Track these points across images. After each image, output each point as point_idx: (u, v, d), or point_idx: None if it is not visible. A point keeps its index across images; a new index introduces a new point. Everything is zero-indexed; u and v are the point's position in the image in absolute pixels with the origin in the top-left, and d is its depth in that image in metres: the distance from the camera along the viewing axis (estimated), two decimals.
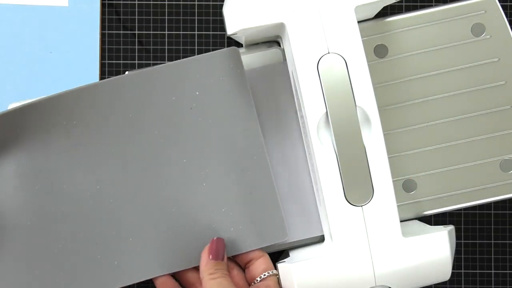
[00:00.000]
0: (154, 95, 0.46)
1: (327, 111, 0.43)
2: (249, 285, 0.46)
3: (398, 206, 0.43)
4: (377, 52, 0.49)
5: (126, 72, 0.49)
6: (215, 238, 0.45)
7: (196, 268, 0.46)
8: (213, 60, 0.46)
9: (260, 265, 0.46)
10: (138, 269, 0.45)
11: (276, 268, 0.46)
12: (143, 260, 0.46)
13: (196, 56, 0.47)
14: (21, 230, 0.45)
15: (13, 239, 0.45)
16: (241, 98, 0.46)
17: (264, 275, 0.45)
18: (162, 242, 0.46)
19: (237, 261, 0.47)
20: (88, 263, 0.45)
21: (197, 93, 0.46)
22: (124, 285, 0.46)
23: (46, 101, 0.46)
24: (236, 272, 0.46)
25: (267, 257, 0.46)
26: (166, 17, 0.53)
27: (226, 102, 0.46)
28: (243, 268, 0.47)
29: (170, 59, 0.53)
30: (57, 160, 0.46)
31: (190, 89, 0.46)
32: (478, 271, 0.54)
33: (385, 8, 0.49)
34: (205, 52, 0.53)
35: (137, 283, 0.51)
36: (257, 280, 0.45)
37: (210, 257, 0.44)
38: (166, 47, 0.54)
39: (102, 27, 0.53)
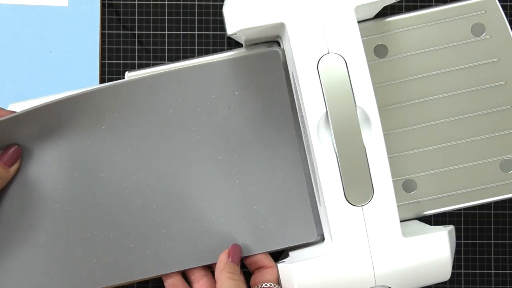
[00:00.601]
0: (194, 92, 0.47)
1: (327, 111, 0.43)
2: None
3: (398, 206, 0.43)
4: (377, 52, 0.49)
5: (126, 72, 0.49)
6: (234, 243, 0.46)
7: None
8: (252, 61, 0.47)
9: (266, 275, 0.46)
10: (169, 261, 0.46)
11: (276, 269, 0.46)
12: (174, 252, 0.46)
13: (236, 56, 0.48)
14: (60, 215, 0.47)
15: (53, 223, 0.46)
16: (279, 100, 0.47)
17: (266, 285, 0.45)
18: (194, 236, 0.47)
19: (246, 265, 0.47)
20: (121, 251, 0.46)
21: (236, 92, 0.47)
22: (155, 275, 0.46)
23: (89, 94, 0.47)
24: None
25: (276, 270, 0.46)
26: (166, 17, 0.53)
27: (264, 103, 0.48)
28: (252, 272, 0.47)
29: (170, 59, 0.53)
30: (97, 150, 0.47)
31: (229, 88, 0.48)
32: (478, 271, 0.54)
33: (385, 8, 0.49)
34: (205, 52, 0.53)
35: (137, 283, 0.51)
36: (257, 287, 0.45)
37: (230, 259, 0.45)
38: (166, 47, 0.54)
39: (102, 27, 0.53)
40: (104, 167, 0.47)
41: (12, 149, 0.45)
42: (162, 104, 0.47)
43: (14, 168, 0.46)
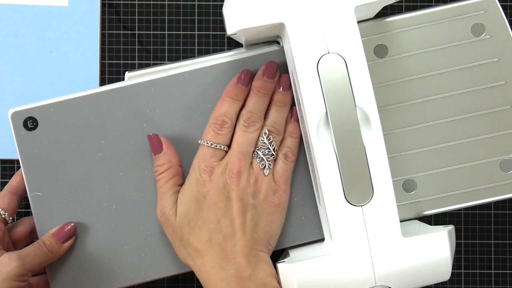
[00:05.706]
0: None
1: (327, 111, 0.43)
2: None
3: (398, 206, 0.43)
4: (377, 52, 0.49)
5: (126, 72, 0.49)
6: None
7: None
8: (255, 60, 0.48)
9: None
10: None
11: (276, 268, 0.46)
12: None
13: (239, 57, 0.48)
14: (108, 214, 0.48)
15: (101, 221, 0.48)
16: None
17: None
18: None
19: None
20: (166, 245, 0.48)
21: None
22: None
23: (131, 88, 0.48)
24: None
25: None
26: (166, 17, 0.53)
27: None
28: None
29: (170, 59, 0.53)
30: (140, 148, 0.48)
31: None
32: (478, 271, 0.54)
33: (385, 8, 0.49)
34: (205, 52, 0.53)
35: (137, 285, 0.51)
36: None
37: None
38: (166, 47, 0.54)
39: (102, 27, 0.53)
40: (147, 165, 0.48)
41: (69, 226, 0.47)
42: (200, 99, 0.48)
43: (67, 244, 0.47)
